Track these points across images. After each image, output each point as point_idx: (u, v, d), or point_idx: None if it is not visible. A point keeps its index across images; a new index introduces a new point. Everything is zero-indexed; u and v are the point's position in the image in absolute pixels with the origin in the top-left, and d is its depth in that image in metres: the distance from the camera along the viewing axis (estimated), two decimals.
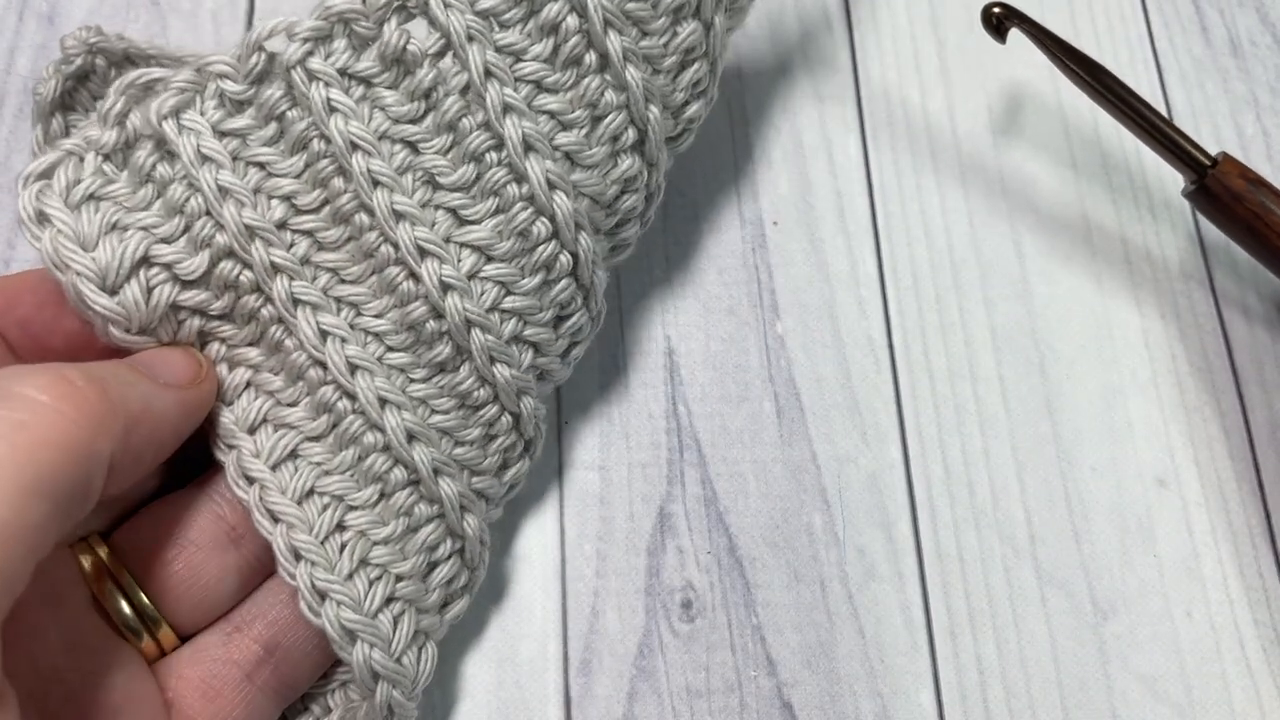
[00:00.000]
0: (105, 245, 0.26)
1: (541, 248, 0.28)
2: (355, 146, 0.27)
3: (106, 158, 0.27)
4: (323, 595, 0.26)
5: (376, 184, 0.27)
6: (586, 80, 0.28)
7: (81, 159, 0.27)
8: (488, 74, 0.27)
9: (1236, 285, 0.36)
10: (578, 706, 0.30)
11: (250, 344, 0.28)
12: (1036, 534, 0.33)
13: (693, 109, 0.30)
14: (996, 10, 0.33)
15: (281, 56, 0.27)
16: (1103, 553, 0.32)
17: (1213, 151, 0.33)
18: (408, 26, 0.27)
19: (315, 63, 0.27)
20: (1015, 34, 0.33)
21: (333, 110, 0.27)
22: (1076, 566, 0.32)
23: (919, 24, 0.39)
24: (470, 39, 0.27)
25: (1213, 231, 0.36)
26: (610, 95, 0.28)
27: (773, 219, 0.36)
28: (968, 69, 0.39)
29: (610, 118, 0.29)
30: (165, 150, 0.27)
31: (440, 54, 0.27)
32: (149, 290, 0.26)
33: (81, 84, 0.30)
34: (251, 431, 0.27)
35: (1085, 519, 0.33)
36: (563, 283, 0.29)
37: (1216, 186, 0.32)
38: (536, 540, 0.32)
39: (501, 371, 0.28)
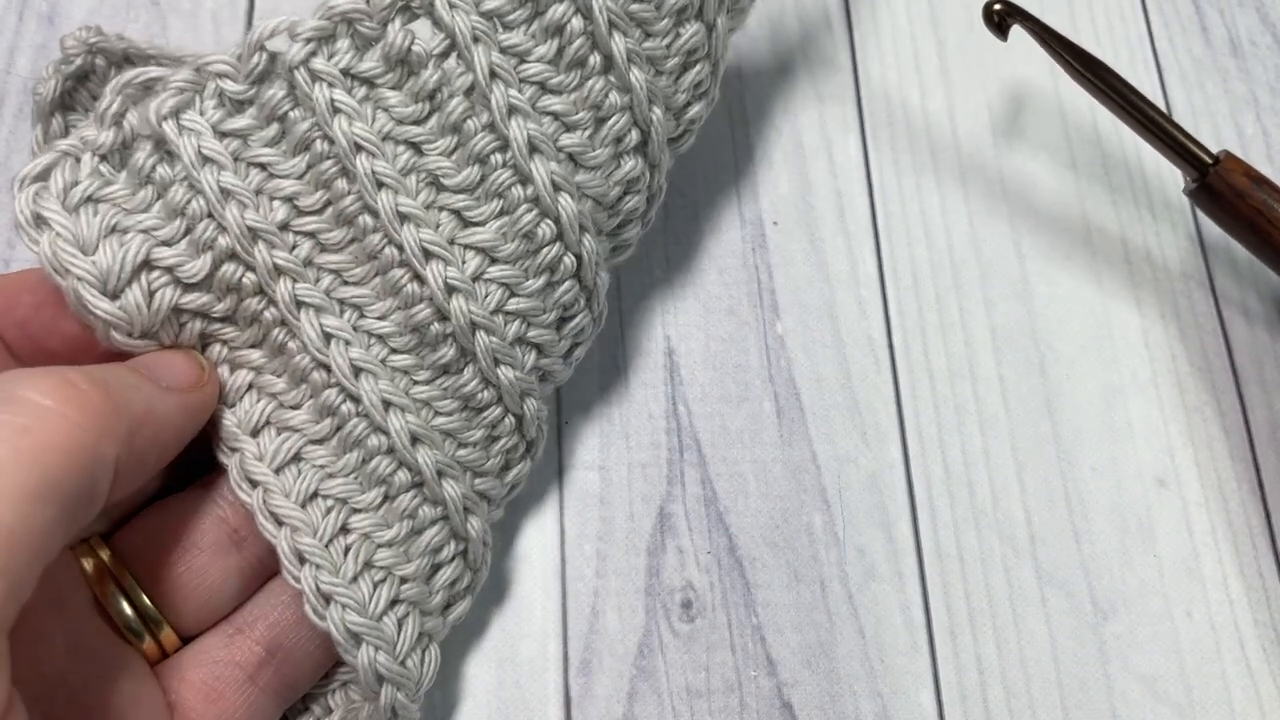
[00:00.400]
0: (105, 249, 0.26)
1: (546, 250, 0.28)
2: (359, 148, 0.26)
3: (104, 158, 0.27)
4: (327, 598, 0.26)
5: (381, 186, 0.27)
6: (590, 82, 0.28)
7: (78, 160, 0.27)
8: (493, 75, 0.27)
9: (1236, 285, 0.36)
10: (578, 706, 0.30)
11: (252, 346, 0.28)
12: (1036, 534, 0.33)
13: (694, 110, 0.30)
14: (998, 7, 0.33)
15: (284, 57, 0.26)
16: (1103, 553, 0.32)
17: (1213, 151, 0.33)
18: (411, 27, 0.27)
19: (318, 63, 0.26)
20: (1017, 32, 0.33)
21: (336, 111, 0.26)
22: (1076, 566, 0.32)
23: (919, 24, 0.39)
24: (475, 40, 0.27)
25: (1213, 231, 0.36)
26: (614, 97, 0.28)
27: (773, 219, 0.36)
28: (968, 69, 0.39)
29: (614, 119, 0.29)
30: (164, 151, 0.27)
31: (445, 55, 0.27)
32: (150, 294, 0.26)
33: (81, 84, 0.30)
34: (254, 434, 0.27)
35: (1085, 519, 0.33)
36: (566, 284, 0.29)
37: (1219, 184, 0.32)
38: (536, 540, 0.32)
39: (505, 374, 0.28)
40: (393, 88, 0.27)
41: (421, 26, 0.27)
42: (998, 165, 0.37)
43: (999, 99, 0.38)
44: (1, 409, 0.21)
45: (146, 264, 0.26)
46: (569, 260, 0.29)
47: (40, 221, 0.26)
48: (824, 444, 0.33)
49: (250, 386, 0.28)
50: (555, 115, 0.28)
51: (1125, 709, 0.31)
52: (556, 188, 0.28)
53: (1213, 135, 0.38)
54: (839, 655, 0.31)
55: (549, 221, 0.28)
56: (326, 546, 0.26)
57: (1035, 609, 0.32)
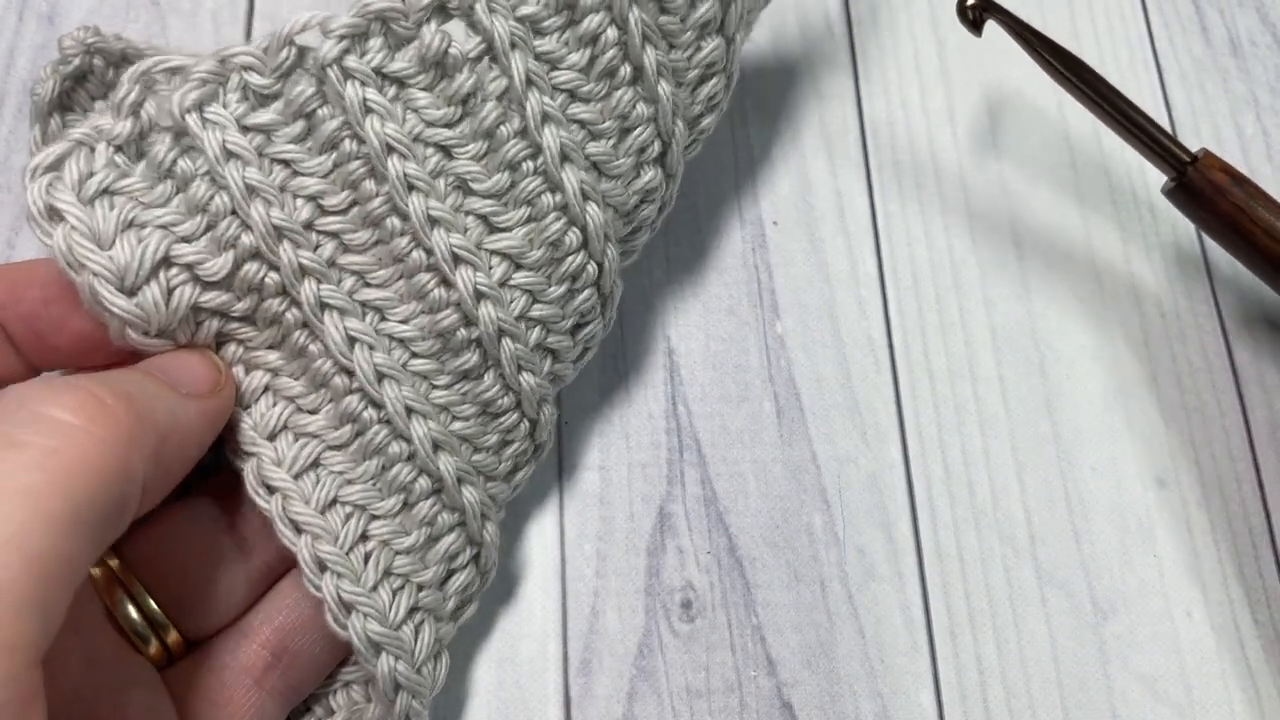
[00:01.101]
0: (123, 244, 0.25)
1: (571, 258, 0.28)
2: (391, 149, 0.26)
3: (119, 149, 0.26)
4: (349, 607, 0.26)
5: (411, 188, 0.26)
6: (619, 92, 0.28)
7: (92, 150, 0.25)
8: (528, 82, 0.27)
9: (1236, 285, 0.36)
10: (578, 706, 0.30)
11: (270, 347, 0.27)
12: (1036, 534, 0.33)
13: (706, 121, 0.31)
14: (971, 2, 0.33)
15: (316, 53, 0.26)
16: (1103, 553, 0.32)
17: (1216, 151, 0.33)
18: (445, 28, 0.26)
19: (351, 61, 0.26)
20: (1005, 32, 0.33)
21: (368, 111, 0.26)
22: (1076, 566, 0.32)
23: (919, 24, 0.39)
24: (513, 46, 0.26)
25: None
26: (641, 108, 0.28)
27: (773, 219, 0.36)
28: (968, 69, 0.39)
29: (639, 130, 0.29)
30: (185, 144, 0.26)
31: (480, 59, 0.27)
32: (169, 292, 0.25)
33: (79, 84, 0.29)
34: (270, 438, 0.27)
35: (1085, 519, 0.33)
36: (586, 292, 0.29)
37: (1197, 183, 0.32)
38: (536, 540, 0.32)
39: (527, 380, 0.28)
40: (424, 89, 0.26)
41: (453, 27, 0.27)
42: (998, 165, 0.37)
43: (999, 98, 0.38)
44: (27, 429, 0.20)
45: (166, 261, 0.25)
46: (591, 268, 0.29)
47: (54, 214, 0.25)
48: (824, 444, 0.33)
49: (266, 389, 0.27)
50: (582, 124, 0.28)
51: (1125, 709, 0.31)
52: (585, 196, 0.28)
53: (1213, 135, 0.38)
54: (839, 655, 0.31)
55: (575, 230, 0.28)
56: (347, 554, 0.26)
57: (1035, 609, 0.32)
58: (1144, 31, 0.39)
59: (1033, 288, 0.36)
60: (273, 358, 0.27)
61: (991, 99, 0.38)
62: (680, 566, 0.32)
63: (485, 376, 0.28)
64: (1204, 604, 0.32)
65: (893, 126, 0.38)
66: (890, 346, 0.35)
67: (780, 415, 0.34)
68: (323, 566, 0.26)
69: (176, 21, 0.38)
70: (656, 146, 0.29)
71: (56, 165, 0.25)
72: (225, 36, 0.38)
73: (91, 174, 0.25)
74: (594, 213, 0.28)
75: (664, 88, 0.28)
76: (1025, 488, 0.33)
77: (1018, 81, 0.38)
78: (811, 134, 0.37)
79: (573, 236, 0.28)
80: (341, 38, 0.26)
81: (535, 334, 0.28)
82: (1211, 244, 0.36)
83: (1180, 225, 0.37)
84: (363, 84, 0.26)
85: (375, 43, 0.26)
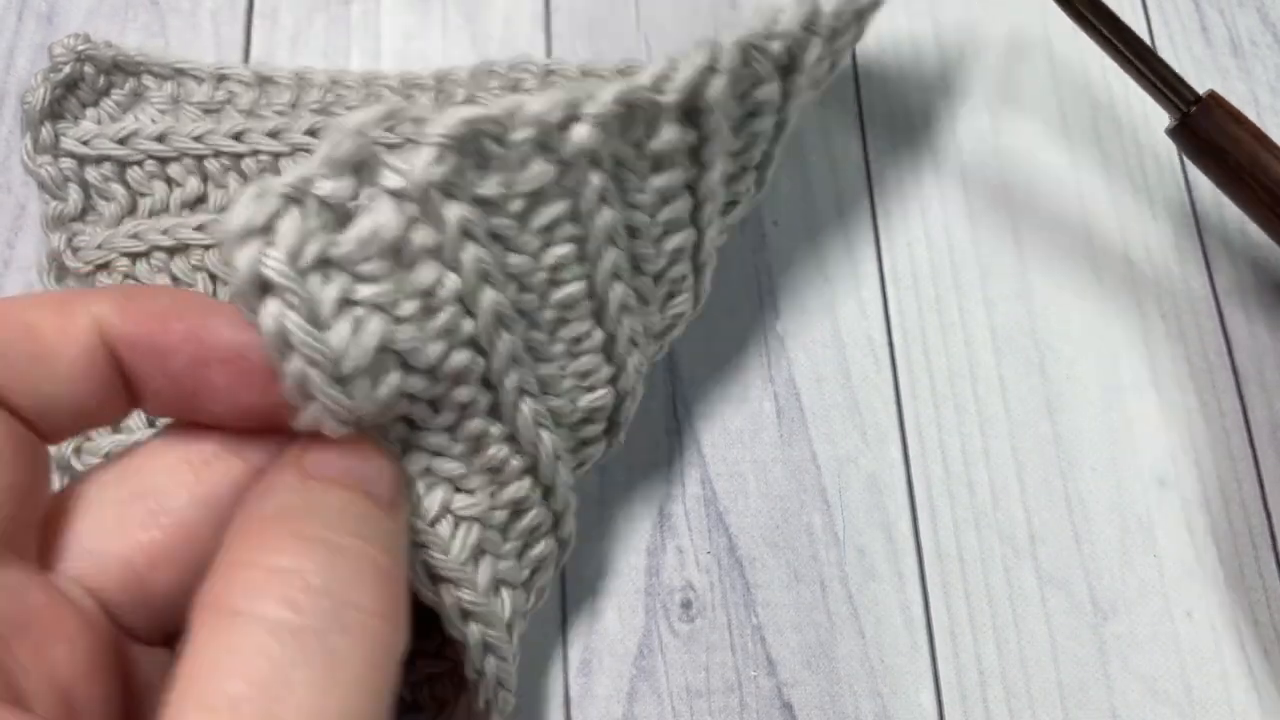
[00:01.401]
0: (340, 327, 0.20)
1: (675, 330, 0.30)
2: (611, 241, 0.24)
3: (328, 207, 0.21)
4: (501, 685, 0.25)
5: (616, 279, 0.25)
6: (741, 184, 0.30)
7: (300, 205, 0.20)
8: (719, 180, 0.27)
9: (1237, 284, 0.36)
10: (578, 706, 0.30)
11: (443, 429, 0.24)
12: (1036, 534, 0.33)
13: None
14: None
15: (570, 137, 0.23)
16: (1103, 553, 0.32)
17: None
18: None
19: (603, 149, 0.23)
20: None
21: (603, 201, 0.24)
22: (1076, 566, 0.32)
23: (919, 23, 0.39)
24: (716, 144, 0.26)
25: (1213, 229, 0.36)
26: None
27: (773, 219, 0.36)
28: (968, 69, 0.39)
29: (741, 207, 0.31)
30: (411, 214, 0.21)
31: (686, 150, 0.26)
32: (377, 379, 0.21)
33: (70, 92, 0.29)
34: (431, 524, 0.24)
35: (1085, 519, 0.33)
36: (664, 345, 0.31)
37: (1201, 123, 0.31)
38: None
39: (618, 439, 0.29)
40: (637, 174, 0.25)
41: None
42: (998, 164, 0.37)
43: (999, 98, 0.38)
44: (336, 629, 0.18)
45: (383, 348, 0.21)
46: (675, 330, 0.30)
47: (264, 285, 0.20)
48: (824, 444, 0.33)
49: (426, 470, 0.24)
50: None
51: (1125, 709, 0.31)
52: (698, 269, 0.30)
53: None
54: (839, 655, 0.31)
55: (692, 302, 0.30)
56: (507, 631, 0.25)
57: (1035, 609, 0.32)
58: (1144, 31, 0.39)
59: (1033, 288, 0.36)
60: (435, 440, 0.24)
61: (991, 99, 0.38)
62: (680, 566, 0.32)
63: (597, 446, 0.29)
64: (1204, 604, 0.32)
65: (893, 126, 0.38)
66: (890, 346, 0.35)
67: (780, 415, 0.34)
68: (488, 649, 0.25)
69: (176, 21, 0.38)
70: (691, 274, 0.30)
71: (269, 227, 0.20)
72: (225, 37, 0.38)
73: (307, 240, 0.20)
74: (706, 281, 0.30)
75: (713, 229, 0.29)
76: (1025, 488, 0.33)
77: (1017, 80, 0.38)
78: (811, 133, 0.37)
79: (688, 305, 0.30)
80: (597, 122, 0.23)
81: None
82: (1212, 243, 0.36)
83: (1181, 225, 0.37)
84: (603, 172, 0.24)
85: (612, 126, 0.24)
